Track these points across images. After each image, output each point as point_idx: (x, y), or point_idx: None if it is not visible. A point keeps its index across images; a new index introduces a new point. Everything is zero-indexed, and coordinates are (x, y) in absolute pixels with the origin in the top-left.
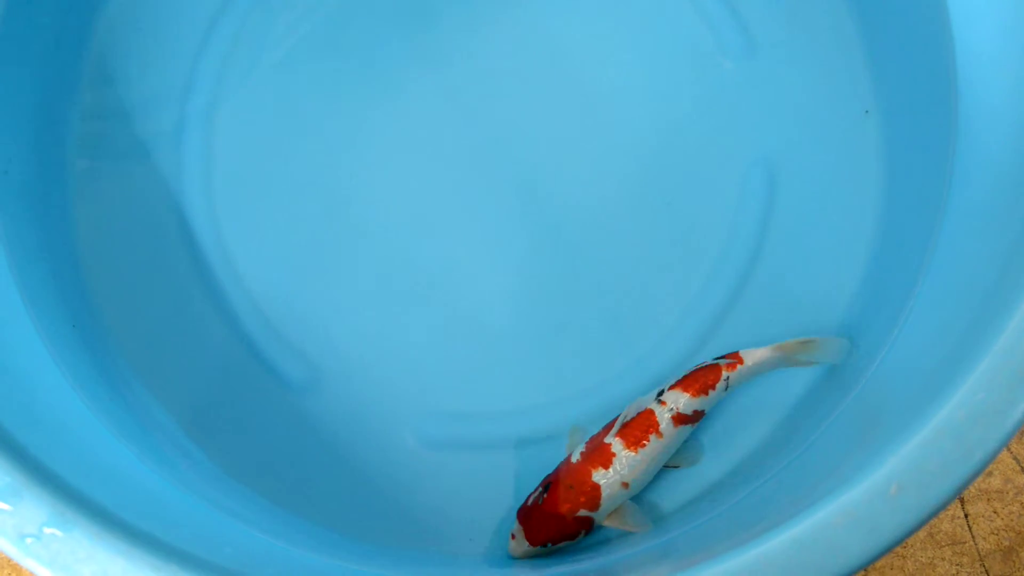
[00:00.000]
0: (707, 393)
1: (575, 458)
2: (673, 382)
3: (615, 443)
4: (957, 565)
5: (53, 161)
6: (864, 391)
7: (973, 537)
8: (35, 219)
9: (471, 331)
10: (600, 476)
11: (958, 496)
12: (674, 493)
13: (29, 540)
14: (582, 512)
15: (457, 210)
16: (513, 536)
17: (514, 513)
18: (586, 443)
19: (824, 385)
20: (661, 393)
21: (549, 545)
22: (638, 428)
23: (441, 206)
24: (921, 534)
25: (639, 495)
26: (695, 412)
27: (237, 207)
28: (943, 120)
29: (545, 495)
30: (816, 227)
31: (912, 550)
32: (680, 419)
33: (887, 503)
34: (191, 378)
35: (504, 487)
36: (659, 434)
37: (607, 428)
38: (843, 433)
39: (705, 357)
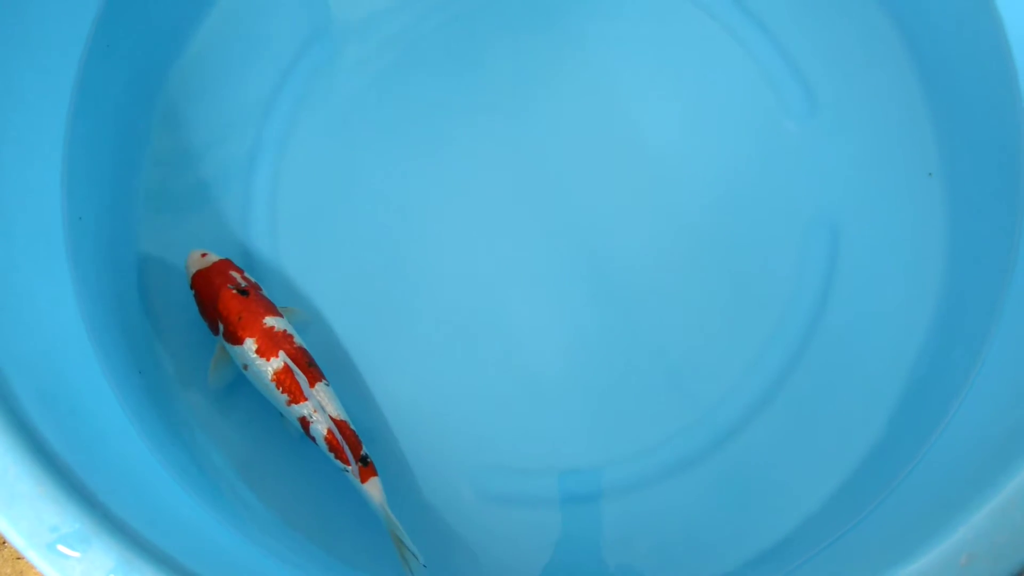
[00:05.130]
0: (331, 444)
1: (284, 328)
2: (340, 411)
3: (288, 364)
4: None
5: (124, 208)
6: (931, 457)
7: None
8: (106, 267)
9: (529, 386)
10: (253, 349)
11: None
12: (736, 552)
13: None
14: (225, 330)
15: (516, 264)
16: (204, 255)
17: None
18: (298, 344)
19: (889, 448)
20: (317, 410)
21: (195, 298)
22: (292, 381)
23: (500, 260)
24: None
25: None
26: (298, 406)
27: (299, 261)
28: (1010, 186)
29: (245, 298)
30: (880, 288)
31: None
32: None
33: (957, 574)
34: (250, 427)
35: (555, 543)
36: (287, 389)
37: (305, 366)
38: (910, 499)
39: (764, 419)
